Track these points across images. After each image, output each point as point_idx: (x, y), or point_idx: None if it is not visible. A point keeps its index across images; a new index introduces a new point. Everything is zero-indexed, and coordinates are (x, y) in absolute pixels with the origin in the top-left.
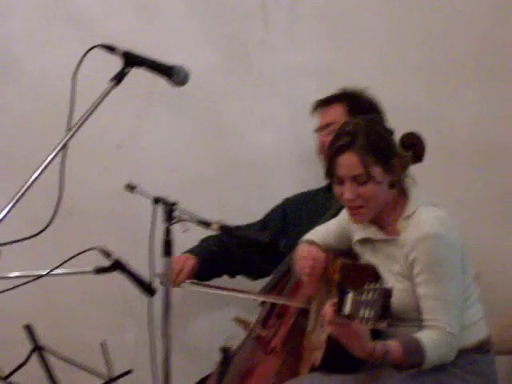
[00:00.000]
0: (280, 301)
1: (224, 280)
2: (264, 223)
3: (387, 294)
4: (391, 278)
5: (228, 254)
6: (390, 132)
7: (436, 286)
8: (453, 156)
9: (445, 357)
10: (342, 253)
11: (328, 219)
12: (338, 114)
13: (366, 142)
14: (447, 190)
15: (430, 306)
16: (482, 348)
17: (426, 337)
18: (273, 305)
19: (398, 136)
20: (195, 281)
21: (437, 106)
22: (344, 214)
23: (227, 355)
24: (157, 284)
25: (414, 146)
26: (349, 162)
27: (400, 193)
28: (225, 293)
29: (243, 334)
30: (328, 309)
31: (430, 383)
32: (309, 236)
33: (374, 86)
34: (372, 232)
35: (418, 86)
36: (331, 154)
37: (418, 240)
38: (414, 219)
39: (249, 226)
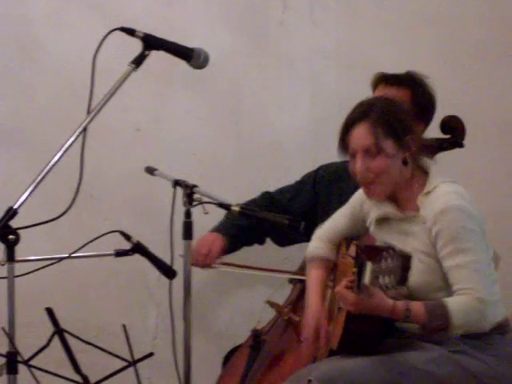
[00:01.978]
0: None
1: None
2: (295, 191)
3: (407, 257)
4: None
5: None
6: (406, 112)
7: (462, 255)
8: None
9: (476, 323)
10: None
11: None
12: (403, 98)
13: (378, 116)
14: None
15: (458, 275)
16: (501, 329)
17: (452, 301)
18: (303, 291)
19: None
20: (225, 262)
21: (459, 86)
22: (357, 198)
23: (258, 339)
24: (177, 266)
25: (454, 131)
26: (360, 133)
27: (419, 171)
28: (256, 272)
29: (270, 316)
30: (341, 284)
31: (447, 364)
32: (314, 249)
33: (395, 67)
34: (389, 210)
35: (440, 66)
36: (344, 127)
37: (439, 213)
38: (434, 194)
39: (280, 192)
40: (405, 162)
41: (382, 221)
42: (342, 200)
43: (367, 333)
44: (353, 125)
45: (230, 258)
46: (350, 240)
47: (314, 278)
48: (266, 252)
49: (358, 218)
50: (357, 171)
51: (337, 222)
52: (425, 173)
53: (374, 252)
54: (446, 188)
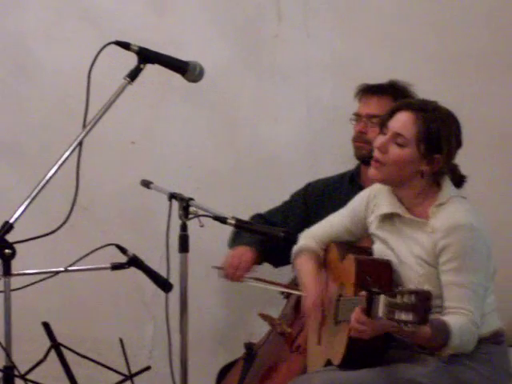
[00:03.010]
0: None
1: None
2: (285, 211)
3: (428, 296)
4: (412, 259)
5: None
6: (458, 140)
7: (464, 275)
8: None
9: (466, 344)
10: (352, 250)
11: None
12: (385, 106)
13: (433, 119)
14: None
15: (456, 293)
16: (495, 339)
17: (453, 322)
18: (298, 303)
19: None
20: (254, 276)
21: (454, 96)
22: (360, 196)
23: (251, 352)
24: (173, 280)
25: None
26: (404, 119)
27: (433, 184)
28: (285, 290)
29: (263, 329)
30: (354, 319)
31: (444, 377)
32: (302, 245)
33: (391, 78)
34: (399, 209)
35: (435, 77)
36: (397, 105)
37: (451, 228)
38: (448, 208)
39: (271, 213)
40: (422, 175)
41: (387, 219)
42: (334, 212)
43: (370, 349)
44: (406, 108)
45: None
46: (344, 247)
47: (304, 262)
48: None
49: (359, 216)
50: (375, 144)
51: (329, 223)
52: (437, 184)
53: (373, 274)
54: (459, 205)
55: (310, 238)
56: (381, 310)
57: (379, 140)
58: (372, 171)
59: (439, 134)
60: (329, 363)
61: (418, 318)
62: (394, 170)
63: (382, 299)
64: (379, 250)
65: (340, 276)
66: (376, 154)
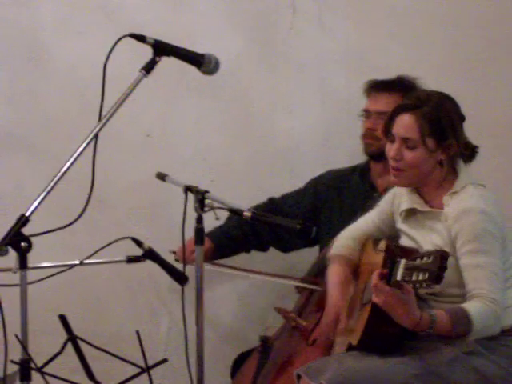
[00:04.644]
0: (296, 282)
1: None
2: (298, 198)
3: (444, 254)
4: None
5: (254, 231)
6: (460, 116)
7: (480, 256)
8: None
9: (491, 328)
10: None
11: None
12: (396, 102)
13: (430, 111)
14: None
15: (474, 275)
16: None
17: (472, 307)
18: (311, 296)
19: None
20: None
21: (471, 90)
22: (389, 194)
23: (267, 345)
24: (189, 272)
25: None
26: (406, 122)
27: (450, 171)
28: (236, 272)
29: (278, 322)
30: (374, 276)
31: (461, 367)
32: (338, 248)
33: (404, 71)
34: (418, 204)
35: (450, 70)
36: (394, 110)
37: (461, 213)
38: (460, 195)
39: (284, 197)
40: (441, 164)
41: (410, 214)
42: (344, 206)
43: (389, 331)
44: (403, 111)
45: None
46: (378, 240)
47: (335, 272)
48: (274, 260)
49: (388, 213)
50: (389, 155)
51: (364, 221)
52: (455, 173)
53: (405, 250)
54: (472, 190)
55: (350, 238)
56: (400, 273)
57: (391, 149)
58: (394, 180)
59: (441, 122)
60: (349, 348)
61: (431, 275)
62: (414, 171)
63: (403, 263)
64: (404, 243)
65: (371, 265)
66: (392, 163)
